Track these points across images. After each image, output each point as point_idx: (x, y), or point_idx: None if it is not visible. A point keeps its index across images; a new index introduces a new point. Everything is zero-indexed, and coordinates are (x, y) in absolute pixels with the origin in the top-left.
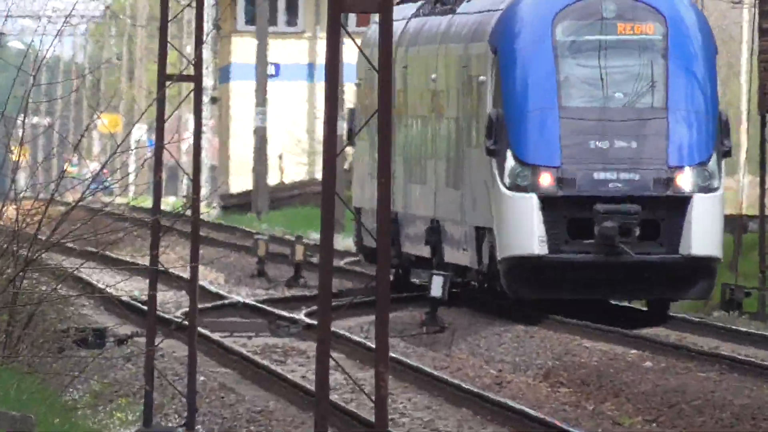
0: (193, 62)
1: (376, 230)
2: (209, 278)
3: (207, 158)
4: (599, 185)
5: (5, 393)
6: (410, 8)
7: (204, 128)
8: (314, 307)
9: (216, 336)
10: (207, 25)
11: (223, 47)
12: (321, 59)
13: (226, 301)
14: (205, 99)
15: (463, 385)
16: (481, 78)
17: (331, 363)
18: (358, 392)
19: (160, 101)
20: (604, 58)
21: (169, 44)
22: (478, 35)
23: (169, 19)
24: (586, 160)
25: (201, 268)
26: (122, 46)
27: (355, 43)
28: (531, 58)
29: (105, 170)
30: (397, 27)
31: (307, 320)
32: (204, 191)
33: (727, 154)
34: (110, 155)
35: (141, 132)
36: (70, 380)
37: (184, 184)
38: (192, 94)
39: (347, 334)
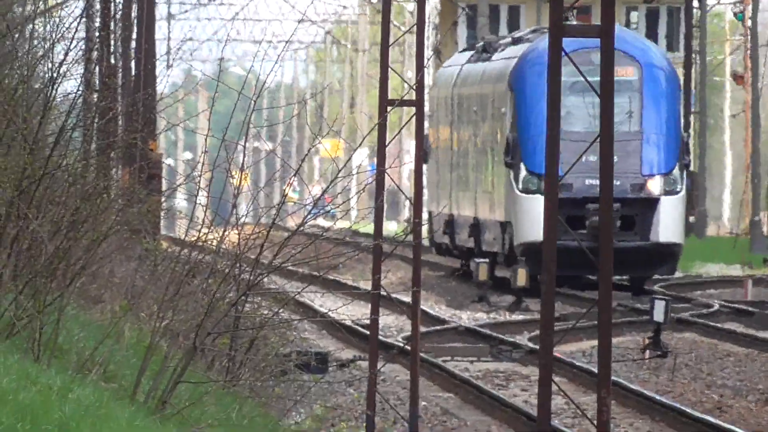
0: (414, 87)
1: (600, 257)
2: (430, 302)
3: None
4: (590, 189)
5: (227, 416)
6: (465, 56)
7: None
8: (537, 332)
9: (438, 360)
10: (428, 50)
11: None
12: None
13: (447, 326)
14: (427, 125)
15: (685, 410)
16: (503, 109)
17: (554, 388)
18: (581, 417)
19: (382, 126)
20: (593, 95)
21: (390, 69)
22: (501, 77)
23: (390, 44)
24: (580, 171)
25: (422, 292)
26: (344, 71)
27: (576, 67)
28: (538, 95)
29: (327, 196)
30: (453, 72)
31: (530, 345)
32: (425, 216)
33: (687, 166)
34: (331, 180)
35: (362, 157)
36: (292, 404)
37: (406, 209)
38: (413, 119)
39: (569, 359)
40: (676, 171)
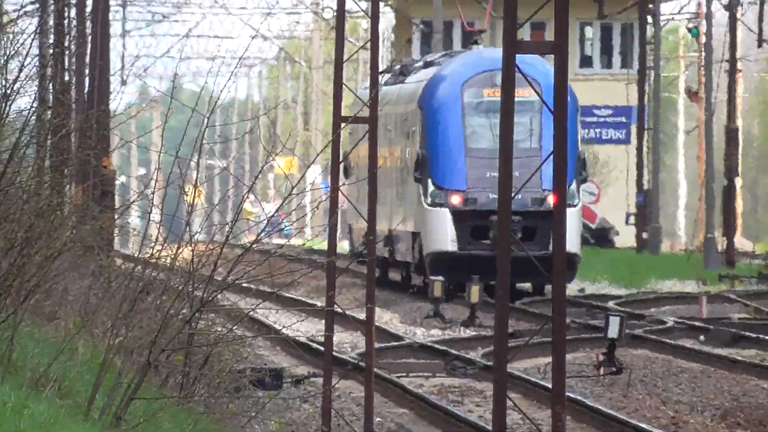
0: (368, 104)
1: (553, 274)
2: (385, 318)
3: None
4: (493, 203)
5: None
6: (383, 78)
7: None
8: (491, 348)
9: (393, 376)
10: (382, 67)
11: None
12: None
13: (402, 342)
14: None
15: (641, 426)
16: (413, 128)
17: (508, 403)
18: None
19: (335, 143)
20: (497, 114)
21: (344, 86)
22: (412, 98)
23: (344, 60)
24: (484, 185)
25: (377, 309)
26: (298, 88)
27: (530, 84)
28: (446, 114)
29: (281, 213)
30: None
31: (484, 361)
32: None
33: (584, 181)
34: (285, 197)
35: (316, 174)
36: (246, 421)
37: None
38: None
39: (524, 374)
40: (573, 186)
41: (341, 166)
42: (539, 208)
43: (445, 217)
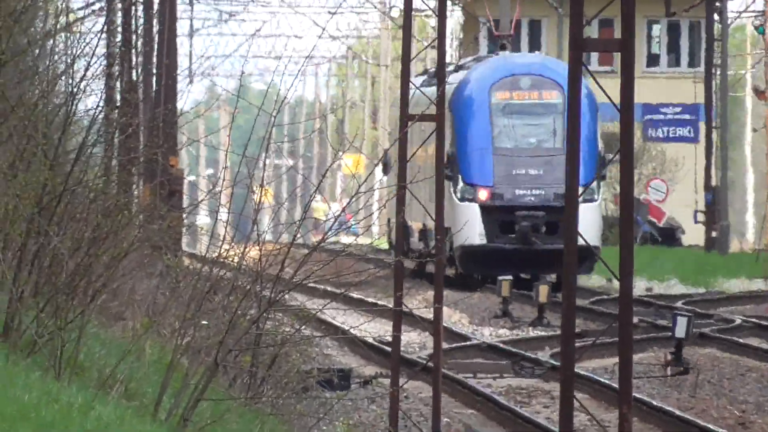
0: (435, 102)
1: (619, 272)
2: (453, 319)
3: None
4: (519, 198)
5: None
6: (419, 80)
7: None
8: (558, 348)
9: (460, 377)
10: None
11: None
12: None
13: (470, 342)
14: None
15: (708, 426)
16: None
17: (576, 404)
18: None
19: (402, 141)
20: (522, 116)
21: (411, 84)
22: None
23: (411, 58)
24: (510, 182)
25: (445, 308)
26: (365, 87)
27: (596, 82)
28: (474, 115)
29: (348, 212)
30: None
31: (552, 361)
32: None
33: (603, 178)
34: (352, 196)
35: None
36: (314, 421)
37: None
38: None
39: (591, 375)
40: (594, 182)
41: (380, 162)
42: (561, 203)
43: (473, 211)
